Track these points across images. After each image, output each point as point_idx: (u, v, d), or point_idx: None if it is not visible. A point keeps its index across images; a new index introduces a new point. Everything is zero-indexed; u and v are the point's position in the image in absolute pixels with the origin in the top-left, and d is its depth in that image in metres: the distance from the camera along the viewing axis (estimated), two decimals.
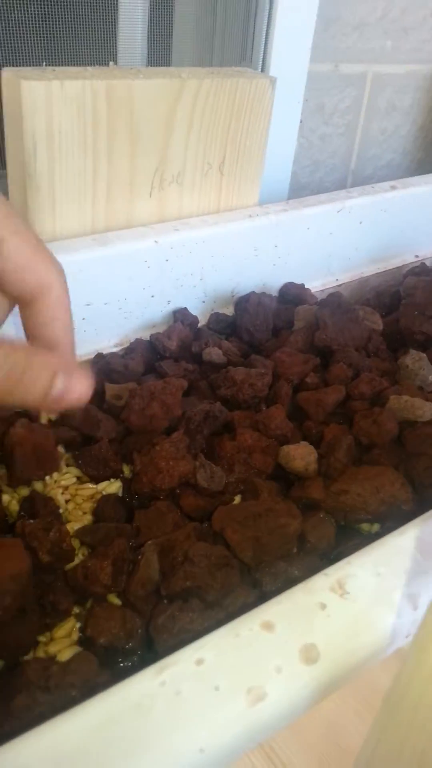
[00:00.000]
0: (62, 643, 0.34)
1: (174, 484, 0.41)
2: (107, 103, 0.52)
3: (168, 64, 0.77)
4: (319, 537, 0.40)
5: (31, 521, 0.38)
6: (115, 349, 0.57)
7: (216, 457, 0.45)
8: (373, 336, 0.59)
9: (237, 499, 0.44)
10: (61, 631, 0.34)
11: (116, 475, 0.45)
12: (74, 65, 0.70)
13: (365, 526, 0.43)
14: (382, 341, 0.60)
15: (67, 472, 0.45)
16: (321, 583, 0.30)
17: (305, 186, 0.88)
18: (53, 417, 0.47)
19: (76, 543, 0.40)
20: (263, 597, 0.37)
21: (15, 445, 0.42)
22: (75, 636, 0.35)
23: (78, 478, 0.45)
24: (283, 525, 0.38)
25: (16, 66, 0.52)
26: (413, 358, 0.54)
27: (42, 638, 0.34)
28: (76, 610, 0.36)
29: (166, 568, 0.37)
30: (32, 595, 0.34)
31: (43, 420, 0.47)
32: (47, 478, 0.44)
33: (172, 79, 0.55)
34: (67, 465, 0.45)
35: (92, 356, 0.55)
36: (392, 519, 0.42)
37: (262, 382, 0.50)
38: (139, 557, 0.36)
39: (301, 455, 0.44)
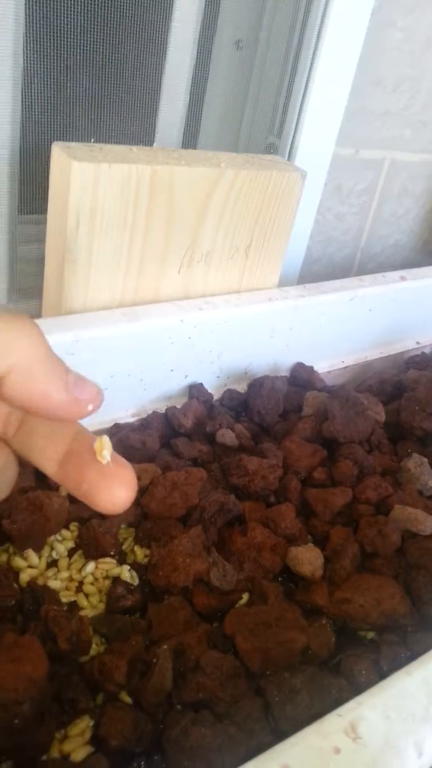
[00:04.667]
0: (76, 741, 0.35)
1: (189, 582, 0.42)
2: (149, 186, 0.54)
3: (197, 137, 0.79)
4: (320, 645, 0.42)
5: (56, 607, 0.39)
6: (131, 419, 0.59)
7: (227, 551, 0.47)
8: (376, 429, 0.62)
9: (245, 596, 0.45)
10: (75, 729, 0.35)
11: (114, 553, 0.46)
12: (116, 136, 0.72)
13: (363, 632, 0.45)
14: (383, 434, 0.63)
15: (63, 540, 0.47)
16: (335, 725, 0.31)
17: (317, 260, 0.91)
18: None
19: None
20: (267, 707, 0.39)
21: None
22: (88, 734, 0.36)
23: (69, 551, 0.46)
24: (292, 640, 0.39)
25: (62, 134, 0.53)
26: (415, 463, 0.56)
27: (57, 734, 0.35)
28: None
29: (177, 673, 0.38)
30: (49, 694, 0.35)
31: (62, 493, 0.48)
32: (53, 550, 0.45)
33: (211, 168, 0.57)
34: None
35: (110, 425, 0.56)
36: (390, 630, 0.44)
37: (274, 475, 0.52)
38: (154, 661, 0.38)
39: (309, 560, 0.46)
